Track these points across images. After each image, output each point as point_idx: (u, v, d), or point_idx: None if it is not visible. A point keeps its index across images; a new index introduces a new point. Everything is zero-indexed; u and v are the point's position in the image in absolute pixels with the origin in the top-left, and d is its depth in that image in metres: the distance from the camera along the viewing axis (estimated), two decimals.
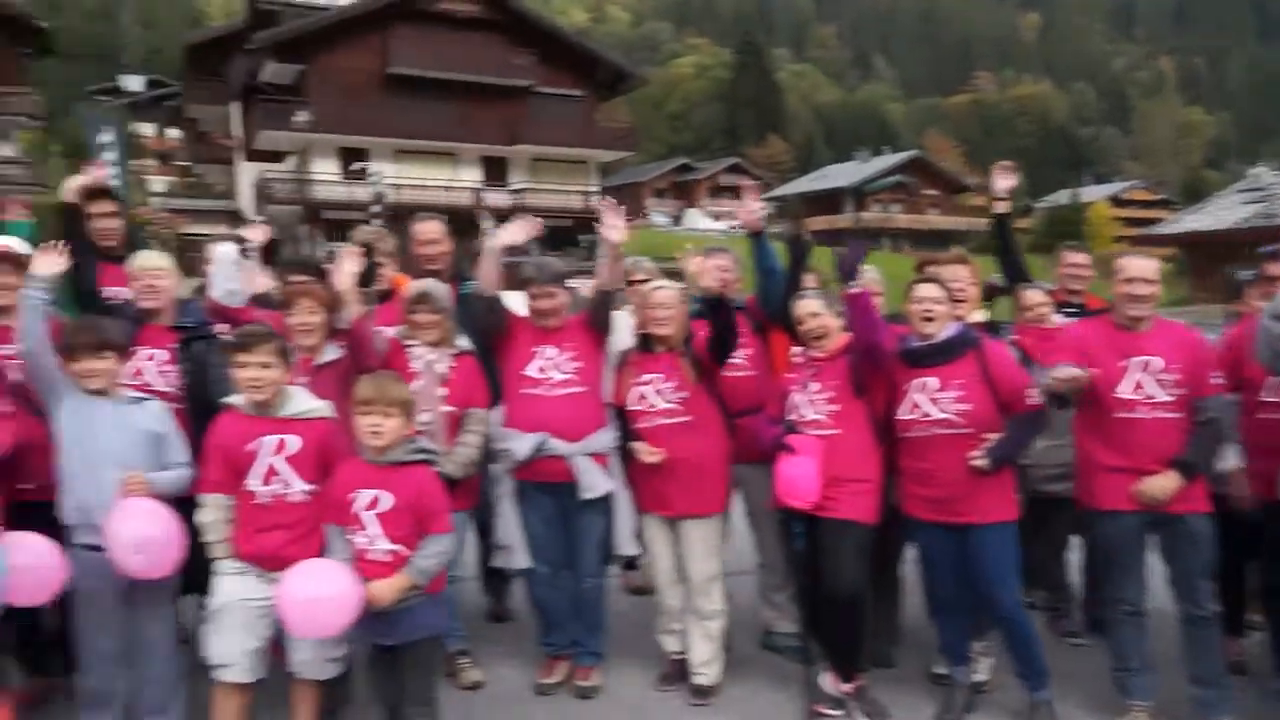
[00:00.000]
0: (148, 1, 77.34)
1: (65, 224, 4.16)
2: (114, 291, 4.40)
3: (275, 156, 38.83)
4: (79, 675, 3.75)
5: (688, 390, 4.38)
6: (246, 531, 3.51)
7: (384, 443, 3.43)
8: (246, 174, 40.89)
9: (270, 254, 5.19)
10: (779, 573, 4.86)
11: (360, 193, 33.91)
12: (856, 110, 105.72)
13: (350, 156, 36.59)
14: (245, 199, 40.69)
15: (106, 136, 24.04)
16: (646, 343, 4.49)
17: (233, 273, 4.45)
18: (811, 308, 4.23)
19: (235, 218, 39.13)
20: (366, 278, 4.33)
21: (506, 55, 37.68)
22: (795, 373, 4.35)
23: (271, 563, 3.49)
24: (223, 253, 4.45)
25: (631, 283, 5.42)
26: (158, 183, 46.31)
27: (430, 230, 4.92)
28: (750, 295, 4.85)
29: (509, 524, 4.48)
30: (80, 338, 3.55)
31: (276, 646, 3.62)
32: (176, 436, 3.74)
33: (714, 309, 4.25)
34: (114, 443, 3.56)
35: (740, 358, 4.68)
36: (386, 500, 3.42)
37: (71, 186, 4.08)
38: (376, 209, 28.80)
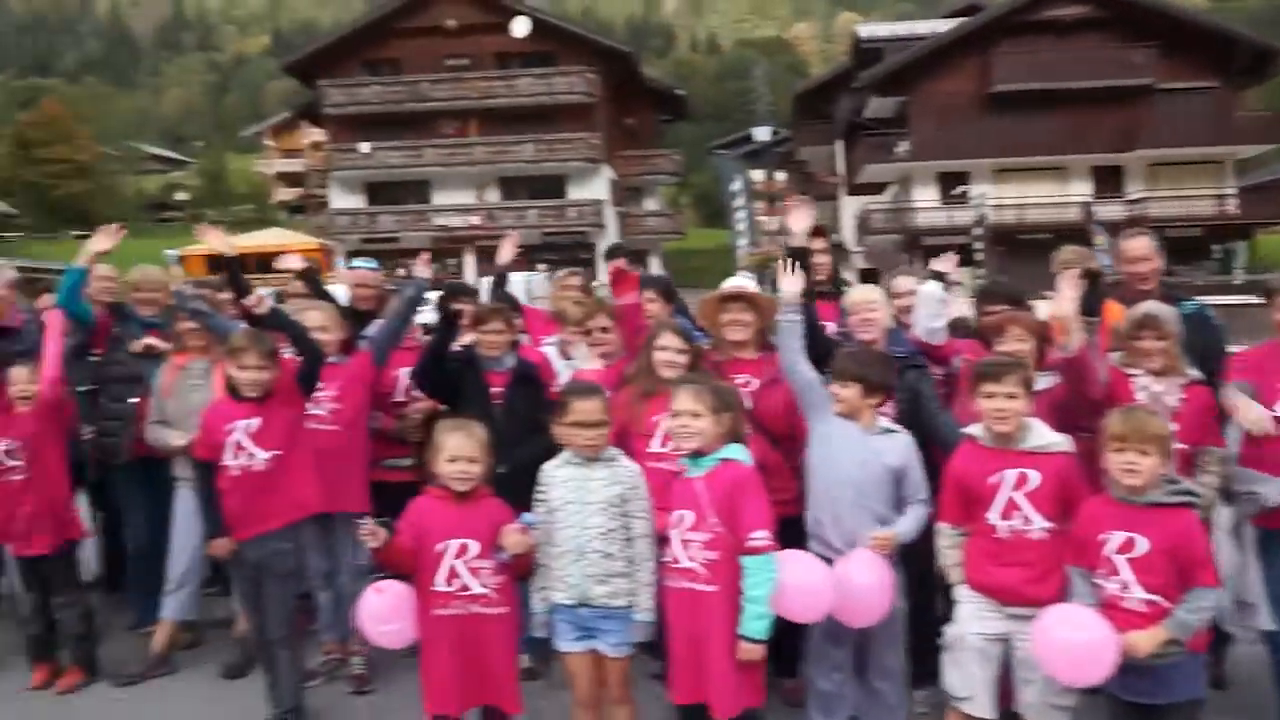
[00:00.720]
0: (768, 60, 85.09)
1: (796, 265, 4.53)
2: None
3: (875, 188, 40.19)
4: (810, 677, 3.99)
5: None
6: (984, 564, 3.47)
7: (1140, 482, 3.15)
8: (849, 208, 42.86)
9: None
10: None
11: (960, 216, 33.60)
12: None
13: (949, 181, 36.47)
14: (847, 231, 42.65)
15: (736, 185, 26.99)
16: None
17: (937, 311, 4.46)
18: None
19: (838, 250, 41.17)
20: (1088, 304, 4.08)
21: (1121, 54, 34.67)
22: None
23: (1008, 596, 3.41)
24: (928, 291, 4.50)
25: None
26: (769, 223, 50.66)
27: (1140, 247, 4.52)
28: None
29: (1251, 578, 3.90)
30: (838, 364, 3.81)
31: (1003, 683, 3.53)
32: (918, 471, 3.80)
33: None
34: (855, 470, 3.74)
35: None
36: (1142, 544, 3.13)
37: (799, 229, 4.43)
38: (978, 232, 28.30)
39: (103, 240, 5.22)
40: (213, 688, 4.86)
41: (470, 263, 34.97)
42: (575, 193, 37.91)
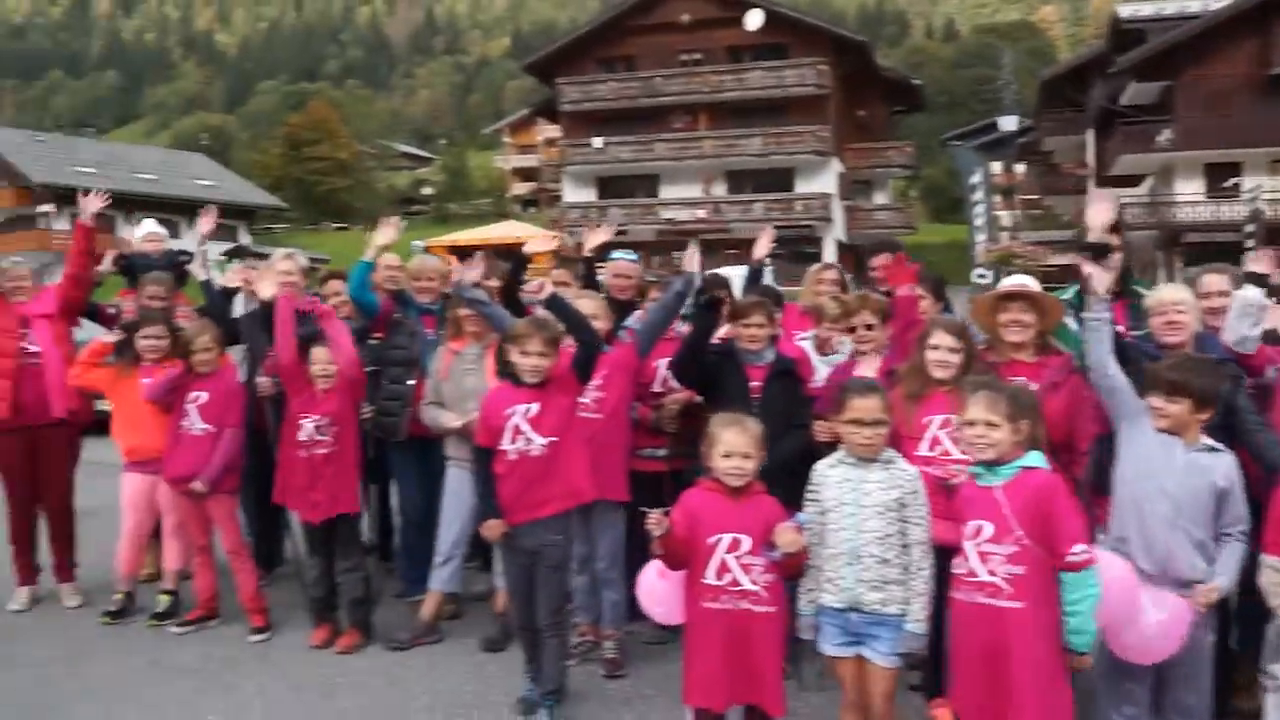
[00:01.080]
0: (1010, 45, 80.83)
1: (1098, 257, 4.20)
2: None
3: (1128, 181, 37.30)
4: (1102, 710, 3.70)
5: None
6: None
7: None
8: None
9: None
10: None
11: (1229, 212, 30.69)
12: None
13: (1217, 173, 33.36)
14: None
15: (976, 177, 25.74)
16: None
17: (1254, 318, 3.99)
18: None
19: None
20: None
21: None
22: None
23: None
24: (1244, 295, 4.03)
25: None
26: (1006, 217, 48.03)
27: None
28: None
29: None
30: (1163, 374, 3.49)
31: None
32: (1241, 497, 3.43)
33: None
34: (1174, 487, 3.42)
35: None
36: None
37: (1099, 224, 4.11)
38: (1251, 229, 25.73)
39: (387, 233, 5.55)
40: (474, 659, 5.07)
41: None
42: (803, 186, 37.45)
